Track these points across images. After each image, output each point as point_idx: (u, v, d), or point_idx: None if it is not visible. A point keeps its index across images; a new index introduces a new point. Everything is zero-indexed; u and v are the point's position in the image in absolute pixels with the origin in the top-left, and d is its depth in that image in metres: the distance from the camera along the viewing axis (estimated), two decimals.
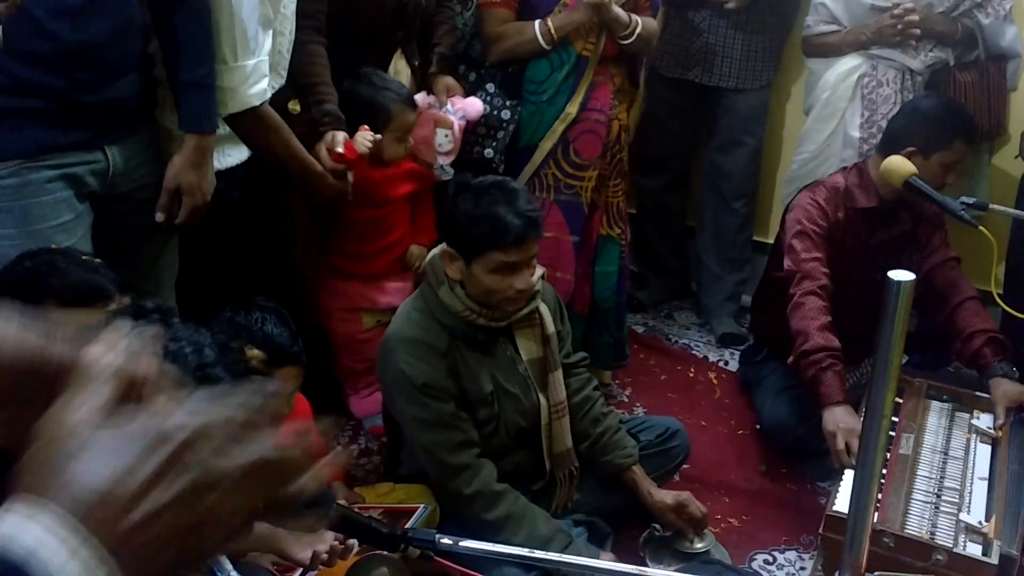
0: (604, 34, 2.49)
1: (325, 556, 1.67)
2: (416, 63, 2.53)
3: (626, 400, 2.92)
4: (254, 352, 1.10)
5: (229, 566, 1.10)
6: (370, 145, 2.22)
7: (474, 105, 2.47)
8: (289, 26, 2.08)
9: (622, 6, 2.46)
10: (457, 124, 2.43)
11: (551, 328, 2.06)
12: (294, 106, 2.24)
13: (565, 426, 2.10)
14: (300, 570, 1.73)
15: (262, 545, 1.66)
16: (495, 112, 2.53)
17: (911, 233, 2.46)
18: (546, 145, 2.54)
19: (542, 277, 2.08)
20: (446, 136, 2.44)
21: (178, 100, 1.85)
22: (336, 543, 1.67)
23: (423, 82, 2.53)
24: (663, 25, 2.90)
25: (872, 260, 2.39)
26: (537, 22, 2.45)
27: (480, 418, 2.00)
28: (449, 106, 2.45)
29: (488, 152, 2.49)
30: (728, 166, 3.18)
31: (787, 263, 2.39)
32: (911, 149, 2.32)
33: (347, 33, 2.35)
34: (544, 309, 2.06)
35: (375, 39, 2.42)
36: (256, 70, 1.90)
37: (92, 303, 1.36)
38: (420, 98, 2.44)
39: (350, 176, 2.26)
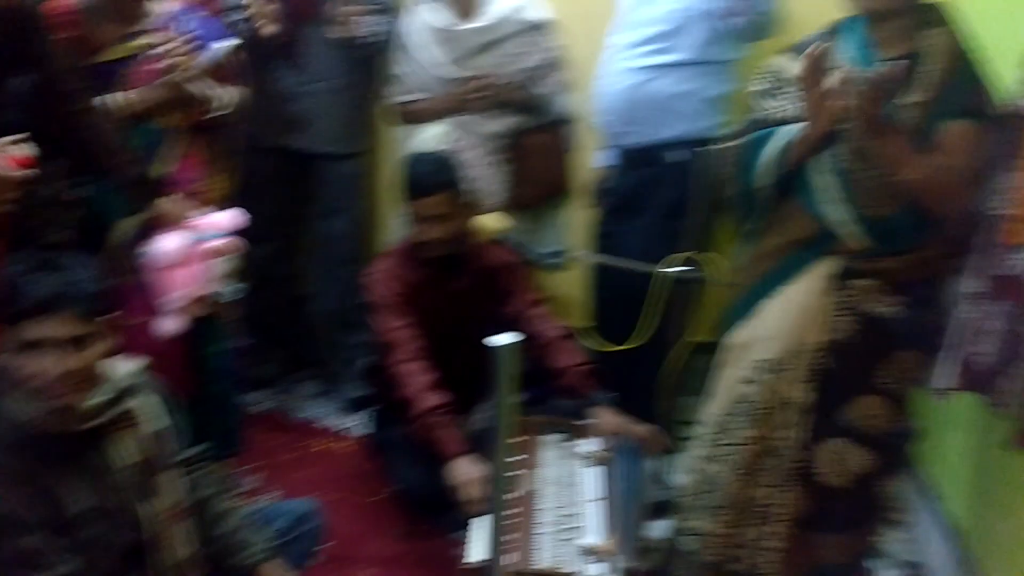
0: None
1: None
2: None
3: (256, 488, 2.75)
4: None
5: None
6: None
7: (229, 217, 2.32)
8: None
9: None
10: (233, 243, 2.28)
11: (153, 425, 1.84)
12: None
13: (184, 531, 1.89)
14: None
15: None
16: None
17: (490, 281, 2.61)
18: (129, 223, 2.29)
19: (142, 371, 1.86)
20: (230, 259, 2.28)
21: None
22: None
23: None
24: (255, 91, 2.82)
25: (458, 310, 2.52)
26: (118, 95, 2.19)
27: (77, 541, 1.71)
28: (201, 233, 2.24)
29: (57, 238, 2.15)
30: (332, 232, 3.20)
31: (377, 337, 2.43)
32: None
33: None
34: (142, 404, 1.83)
35: None
36: None
37: None
38: (171, 245, 2.16)
39: None
